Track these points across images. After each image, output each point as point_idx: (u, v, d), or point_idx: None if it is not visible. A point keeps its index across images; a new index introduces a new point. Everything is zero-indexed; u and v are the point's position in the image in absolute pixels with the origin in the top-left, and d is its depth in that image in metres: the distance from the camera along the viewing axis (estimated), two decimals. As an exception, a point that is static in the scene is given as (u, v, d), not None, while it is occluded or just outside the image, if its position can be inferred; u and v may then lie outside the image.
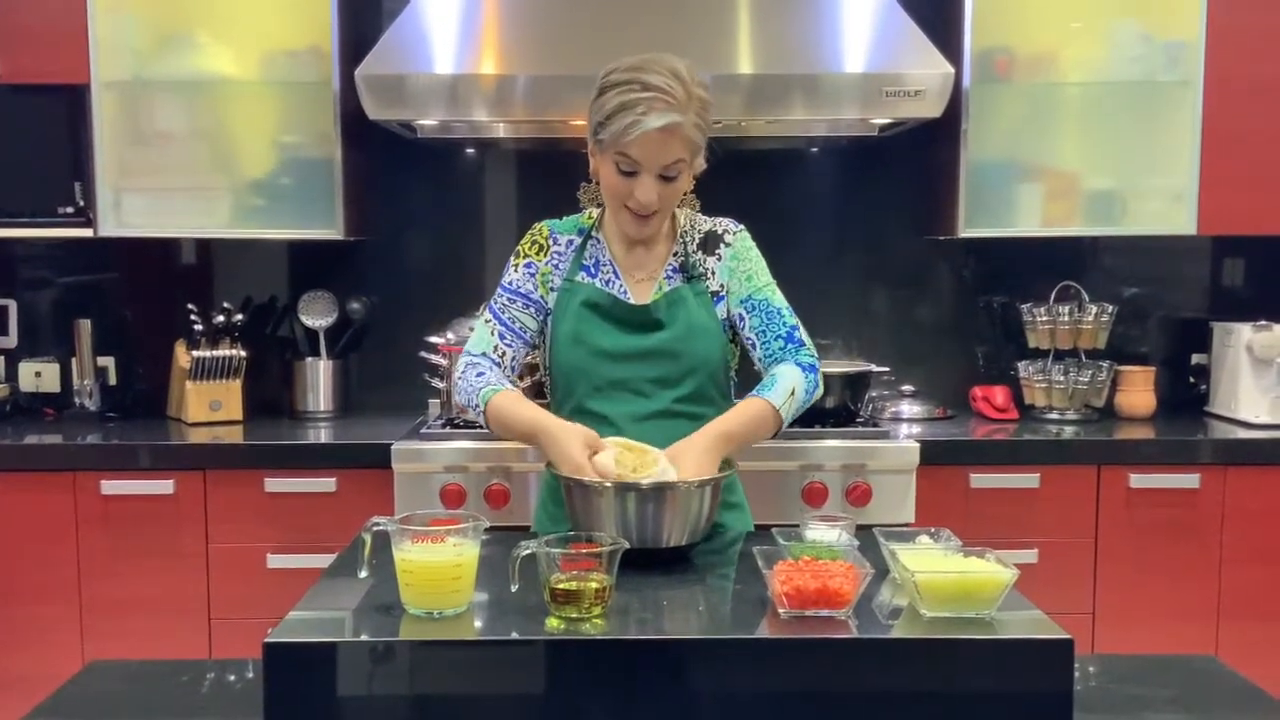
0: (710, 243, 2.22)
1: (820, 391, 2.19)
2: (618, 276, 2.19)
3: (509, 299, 2.21)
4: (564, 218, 2.28)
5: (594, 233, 2.23)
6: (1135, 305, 3.69)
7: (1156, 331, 3.73)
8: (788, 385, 2.10)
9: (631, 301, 2.17)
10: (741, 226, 2.27)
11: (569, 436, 1.96)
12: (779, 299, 2.21)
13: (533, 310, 2.21)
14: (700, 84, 2.05)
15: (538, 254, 2.22)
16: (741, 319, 2.19)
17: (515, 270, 2.22)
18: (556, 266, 2.21)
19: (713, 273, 2.20)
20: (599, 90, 2.06)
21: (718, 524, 2.08)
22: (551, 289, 2.21)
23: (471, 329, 3.19)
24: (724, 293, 2.20)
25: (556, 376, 2.21)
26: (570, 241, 2.23)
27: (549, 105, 3.06)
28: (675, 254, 2.21)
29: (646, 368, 2.14)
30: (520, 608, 1.65)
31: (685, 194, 2.20)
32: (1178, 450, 3.15)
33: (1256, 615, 3.12)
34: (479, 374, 2.15)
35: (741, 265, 2.21)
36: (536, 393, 3.32)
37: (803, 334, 2.19)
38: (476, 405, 2.13)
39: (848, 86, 3.05)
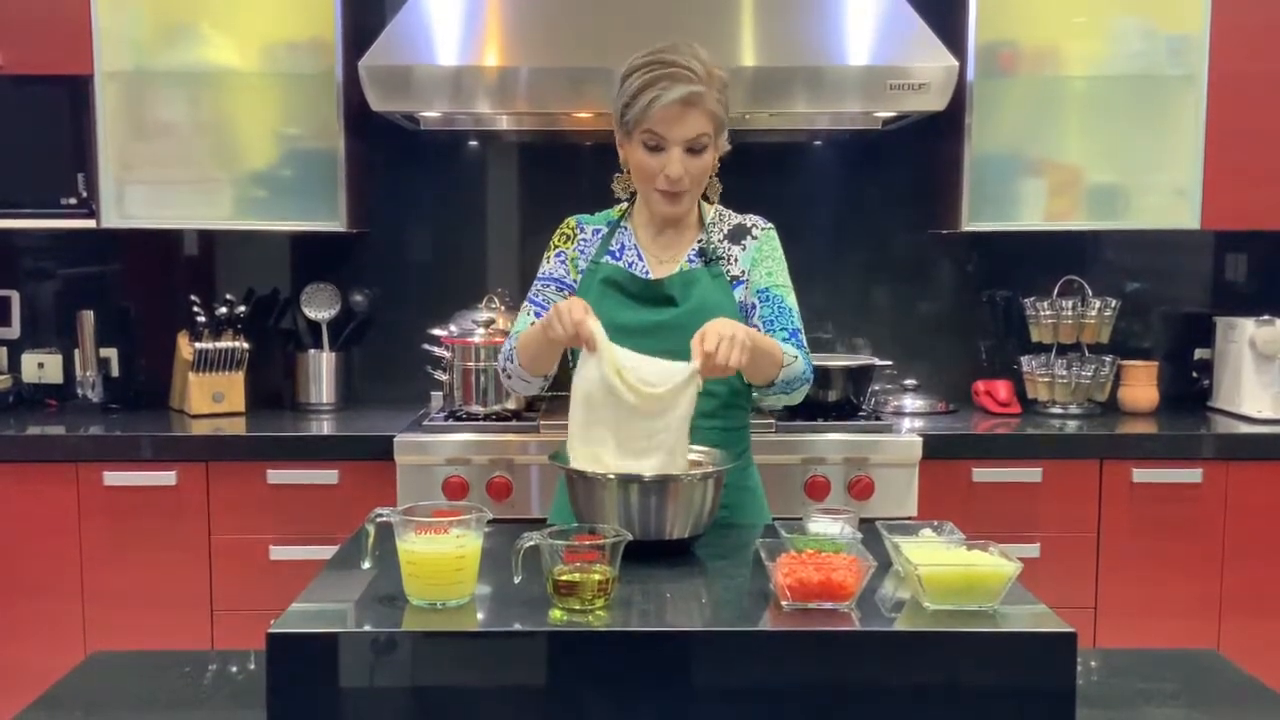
0: (738, 234, 2.30)
1: (805, 391, 2.22)
2: (641, 259, 2.27)
3: (543, 285, 2.29)
4: (595, 213, 2.36)
5: (623, 222, 2.31)
6: (1138, 300, 3.69)
7: (1159, 326, 3.73)
8: (793, 352, 2.16)
9: (648, 278, 2.23)
10: (771, 225, 2.33)
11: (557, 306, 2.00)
12: (792, 301, 2.27)
13: (567, 293, 2.27)
14: (719, 67, 2.15)
15: (566, 243, 2.31)
16: (753, 307, 2.25)
17: (548, 262, 2.31)
18: (583, 252, 2.29)
19: (735, 259, 2.27)
20: (623, 77, 2.14)
21: (725, 507, 2.09)
22: (580, 272, 2.29)
23: (474, 321, 3.23)
24: (744, 278, 2.26)
25: (576, 353, 2.24)
26: (598, 231, 2.31)
27: (552, 98, 3.06)
28: (699, 240, 2.27)
29: (657, 342, 2.17)
30: (523, 599, 1.65)
31: (711, 177, 2.24)
32: (1180, 445, 3.15)
33: (1258, 610, 3.12)
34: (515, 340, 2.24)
35: (765, 260, 2.27)
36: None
37: (804, 339, 2.25)
38: (509, 353, 2.22)
39: (851, 79, 3.05)
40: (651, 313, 2.21)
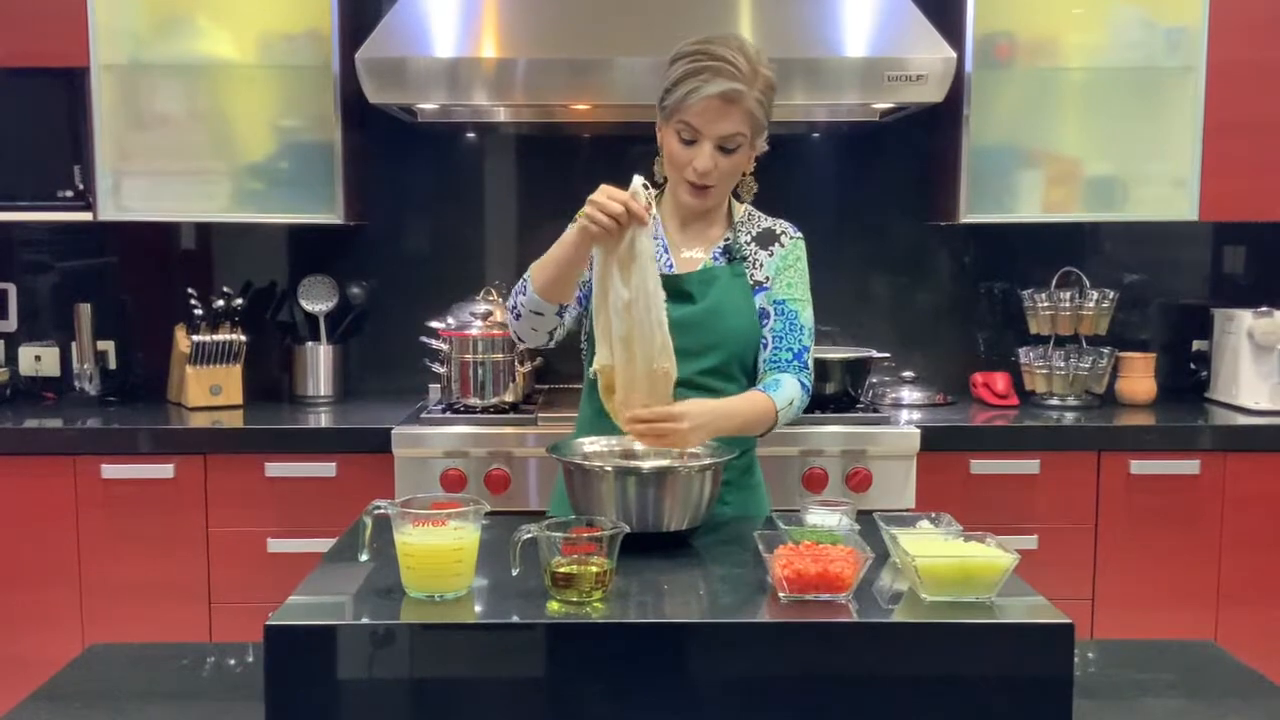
0: (766, 239, 2.28)
1: (800, 414, 2.23)
2: (666, 252, 2.24)
3: None
4: None
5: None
6: (1136, 291, 3.69)
7: (1157, 317, 3.73)
8: (789, 395, 2.16)
9: (671, 272, 2.20)
10: (800, 235, 2.33)
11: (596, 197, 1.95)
12: (806, 317, 2.25)
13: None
14: (767, 65, 2.12)
15: None
16: (766, 316, 2.24)
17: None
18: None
19: (760, 264, 2.25)
20: (669, 62, 2.12)
21: (723, 502, 2.09)
22: None
23: (472, 314, 3.22)
24: (768, 284, 2.25)
25: (592, 337, 2.23)
26: None
27: (549, 89, 3.05)
28: (726, 239, 2.26)
29: (672, 337, 2.15)
30: (521, 591, 1.65)
31: (745, 175, 2.23)
32: (1178, 436, 3.15)
33: (1255, 601, 3.12)
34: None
35: (788, 269, 2.26)
36: (538, 378, 3.33)
37: (809, 359, 2.24)
38: (521, 286, 2.13)
39: (849, 71, 3.04)
40: (668, 307, 2.16)
